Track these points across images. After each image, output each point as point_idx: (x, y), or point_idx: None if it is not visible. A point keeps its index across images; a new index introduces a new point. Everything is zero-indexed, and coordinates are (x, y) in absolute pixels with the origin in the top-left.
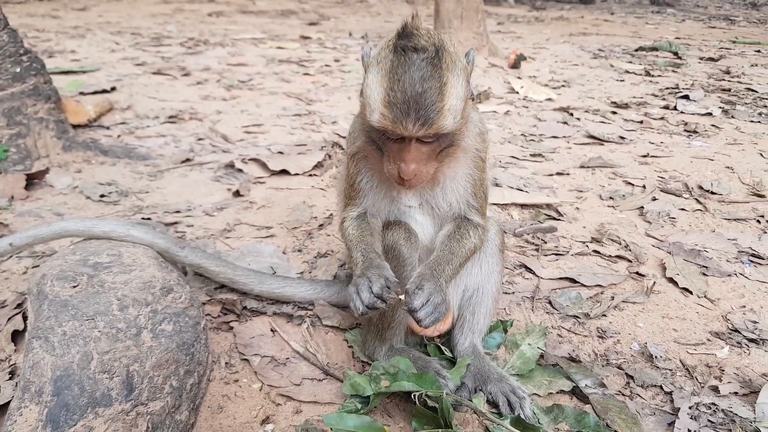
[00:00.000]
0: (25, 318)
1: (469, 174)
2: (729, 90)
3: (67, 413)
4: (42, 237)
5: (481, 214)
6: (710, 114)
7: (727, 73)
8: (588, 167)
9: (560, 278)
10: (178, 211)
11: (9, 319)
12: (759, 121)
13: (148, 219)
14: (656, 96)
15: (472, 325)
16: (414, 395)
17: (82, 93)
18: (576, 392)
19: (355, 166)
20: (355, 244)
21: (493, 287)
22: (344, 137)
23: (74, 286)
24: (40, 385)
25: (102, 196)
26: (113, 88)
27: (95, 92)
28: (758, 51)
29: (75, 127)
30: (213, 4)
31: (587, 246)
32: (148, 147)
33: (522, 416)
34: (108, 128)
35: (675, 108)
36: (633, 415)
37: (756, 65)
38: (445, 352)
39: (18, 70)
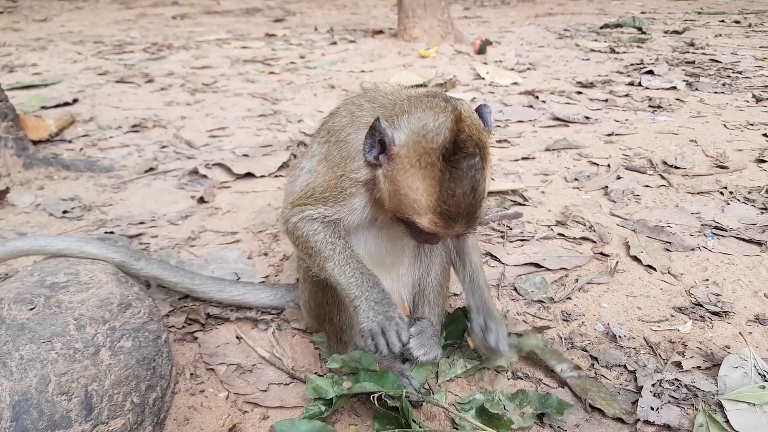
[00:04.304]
0: None
1: None
2: (693, 62)
3: None
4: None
5: None
6: (674, 88)
7: (692, 45)
8: (553, 150)
9: (525, 264)
10: (142, 222)
11: None
12: (722, 92)
13: (111, 233)
14: (621, 73)
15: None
16: (373, 396)
17: (43, 107)
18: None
19: (353, 186)
20: (346, 259)
21: (434, 279)
22: (310, 135)
23: (31, 309)
24: None
25: (65, 212)
26: (75, 100)
27: (57, 105)
28: (722, 21)
29: (36, 143)
30: (177, 6)
31: (552, 229)
32: (111, 158)
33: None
34: (70, 142)
35: (640, 84)
36: (612, 393)
37: (720, 35)
38: None
39: None
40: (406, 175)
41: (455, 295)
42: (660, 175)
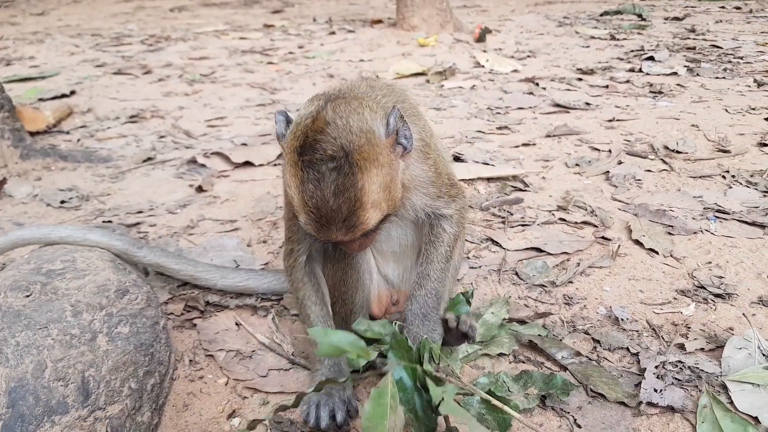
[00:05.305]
0: None
1: (424, 178)
2: (694, 48)
3: (23, 424)
4: (1, 248)
5: (450, 198)
6: (675, 73)
7: (692, 31)
8: (554, 136)
9: (526, 249)
10: (140, 212)
11: None
12: (724, 77)
13: (109, 222)
14: (621, 59)
15: None
16: (395, 322)
17: (41, 99)
18: (545, 354)
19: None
20: (316, 318)
21: (451, 265)
22: None
23: (27, 296)
24: None
25: (63, 202)
26: (73, 92)
27: (54, 97)
28: (723, 7)
29: (33, 134)
30: None
31: (553, 214)
32: (109, 149)
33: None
34: (68, 133)
35: (640, 70)
36: (613, 377)
37: (721, 21)
38: None
39: None
40: (286, 171)
41: (458, 280)
42: (661, 159)
